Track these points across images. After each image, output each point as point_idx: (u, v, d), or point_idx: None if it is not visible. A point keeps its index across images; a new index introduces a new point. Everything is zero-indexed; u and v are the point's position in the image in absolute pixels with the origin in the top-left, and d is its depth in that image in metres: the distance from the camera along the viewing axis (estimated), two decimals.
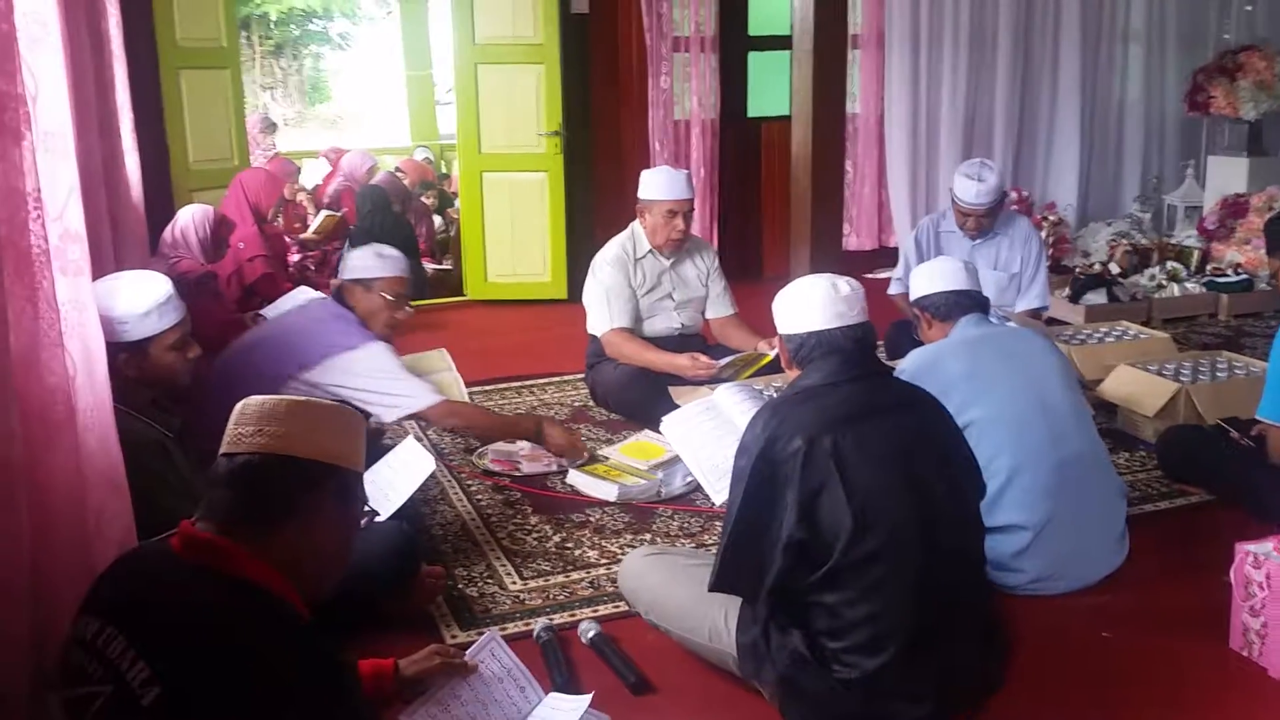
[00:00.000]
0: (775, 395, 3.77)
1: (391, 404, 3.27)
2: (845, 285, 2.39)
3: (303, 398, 1.73)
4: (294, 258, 6.56)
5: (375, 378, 3.25)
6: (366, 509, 1.80)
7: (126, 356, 2.51)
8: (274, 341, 3.35)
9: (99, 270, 2.48)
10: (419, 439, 3.62)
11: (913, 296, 3.18)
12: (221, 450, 1.68)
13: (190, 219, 4.73)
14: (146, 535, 2.24)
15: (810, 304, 2.37)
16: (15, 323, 1.65)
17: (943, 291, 3.08)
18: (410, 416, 3.41)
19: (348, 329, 3.32)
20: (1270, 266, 3.25)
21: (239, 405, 1.71)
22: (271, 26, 20.04)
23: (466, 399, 4.05)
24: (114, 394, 2.26)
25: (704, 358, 4.00)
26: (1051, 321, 5.19)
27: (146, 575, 1.60)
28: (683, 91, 6.56)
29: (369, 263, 3.42)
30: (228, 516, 1.61)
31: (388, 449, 3.18)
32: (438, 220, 8.20)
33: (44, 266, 1.67)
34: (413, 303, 5.99)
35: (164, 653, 1.46)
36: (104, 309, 2.47)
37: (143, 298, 2.52)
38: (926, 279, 3.13)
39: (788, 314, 2.42)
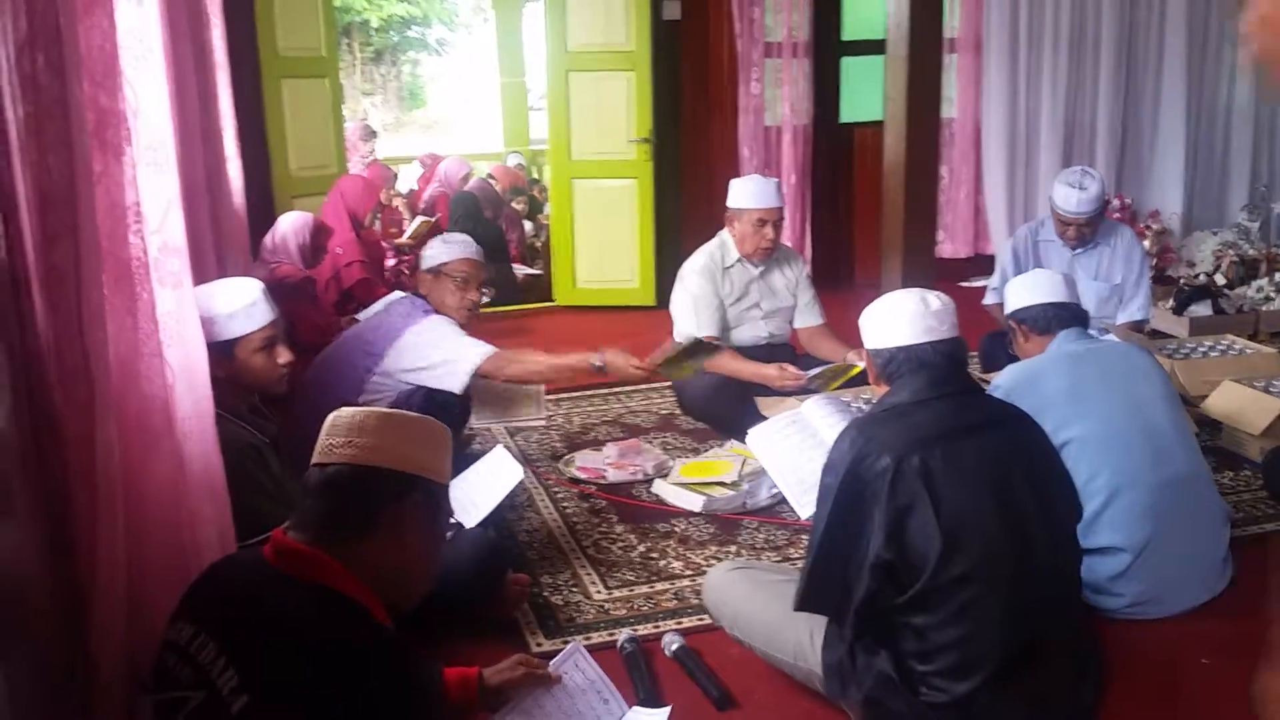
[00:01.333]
0: (864, 409, 3.73)
1: (451, 370, 3.27)
2: (935, 300, 2.34)
3: (391, 410, 1.75)
4: (390, 262, 6.68)
5: (433, 348, 3.27)
6: (453, 520, 1.82)
7: (214, 358, 2.57)
8: (353, 341, 3.41)
9: (202, 277, 2.55)
10: (508, 447, 3.64)
11: (1009, 309, 3.10)
12: (313, 461, 1.71)
13: (290, 225, 4.86)
14: (242, 539, 2.31)
15: (899, 318, 2.32)
16: (115, 334, 1.70)
17: (1041, 304, 3.00)
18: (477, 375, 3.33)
19: (410, 311, 3.37)
20: None
21: (330, 416, 1.74)
22: (372, 33, 20.50)
23: (543, 405, 4.03)
24: (214, 399, 2.34)
25: (792, 368, 3.95)
26: (1154, 334, 5.03)
27: (239, 583, 1.64)
28: (774, 97, 6.51)
29: (435, 250, 3.48)
30: (317, 527, 1.64)
31: (477, 456, 3.22)
32: (529, 226, 8.28)
33: (144, 279, 1.72)
34: (504, 307, 6.18)
35: (253, 661, 1.49)
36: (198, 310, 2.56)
37: (229, 299, 2.57)
38: (1024, 291, 3.06)
39: (876, 329, 2.37)
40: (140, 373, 1.77)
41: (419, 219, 7.26)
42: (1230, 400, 3.86)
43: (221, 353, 2.54)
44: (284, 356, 2.64)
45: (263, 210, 5.15)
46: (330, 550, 1.63)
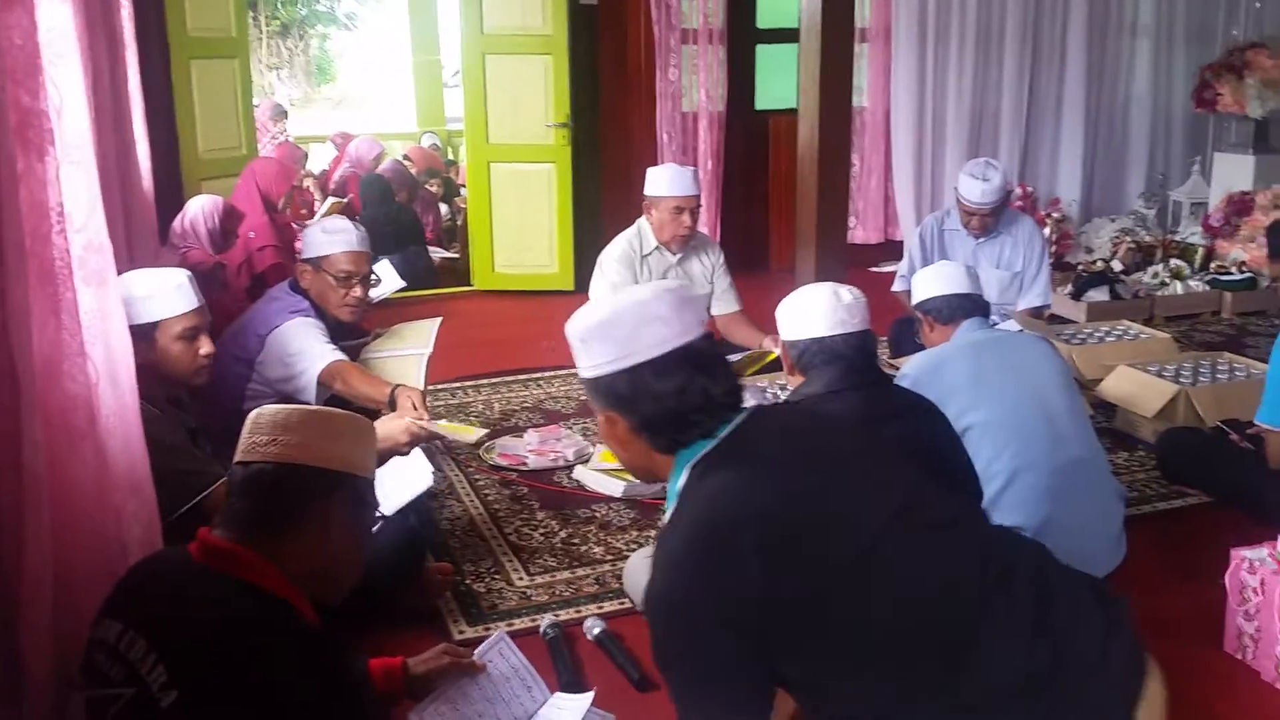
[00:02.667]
0: (779, 395, 3.83)
1: (302, 385, 3.12)
2: (847, 293, 2.43)
3: (315, 407, 1.77)
4: (300, 245, 6.60)
5: (289, 359, 3.12)
6: (378, 514, 1.85)
7: (134, 342, 2.54)
8: (229, 343, 3.23)
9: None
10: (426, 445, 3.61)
11: (915, 300, 3.22)
12: (236, 459, 1.73)
13: (200, 209, 4.77)
14: (179, 498, 2.29)
15: (813, 311, 2.41)
16: (39, 334, 1.69)
17: (945, 295, 3.11)
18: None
19: (279, 312, 3.20)
20: (1271, 270, 3.28)
21: (253, 414, 1.75)
22: (279, 6, 20.04)
23: (421, 383, 3.53)
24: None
25: None
26: (1053, 319, 5.22)
27: (166, 580, 1.65)
28: (691, 84, 6.58)
29: (315, 239, 3.30)
30: (243, 525, 1.66)
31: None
32: (444, 208, 8.24)
33: (67, 278, 1.72)
34: (420, 291, 6.15)
35: (181, 658, 1.51)
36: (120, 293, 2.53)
37: (151, 282, 2.54)
38: (928, 283, 3.16)
39: (791, 321, 2.46)
40: (64, 371, 1.76)
41: (330, 200, 7.18)
42: (1125, 384, 4.04)
43: (141, 337, 2.51)
44: (206, 348, 2.61)
45: (171, 193, 5.05)
46: (256, 548, 1.65)
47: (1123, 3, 7.09)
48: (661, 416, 1.66)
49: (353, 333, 3.46)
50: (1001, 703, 1.56)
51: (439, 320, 3.70)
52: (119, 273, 2.50)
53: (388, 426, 2.72)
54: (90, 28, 2.93)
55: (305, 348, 3.16)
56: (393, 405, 3.09)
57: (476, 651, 2.26)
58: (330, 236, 3.29)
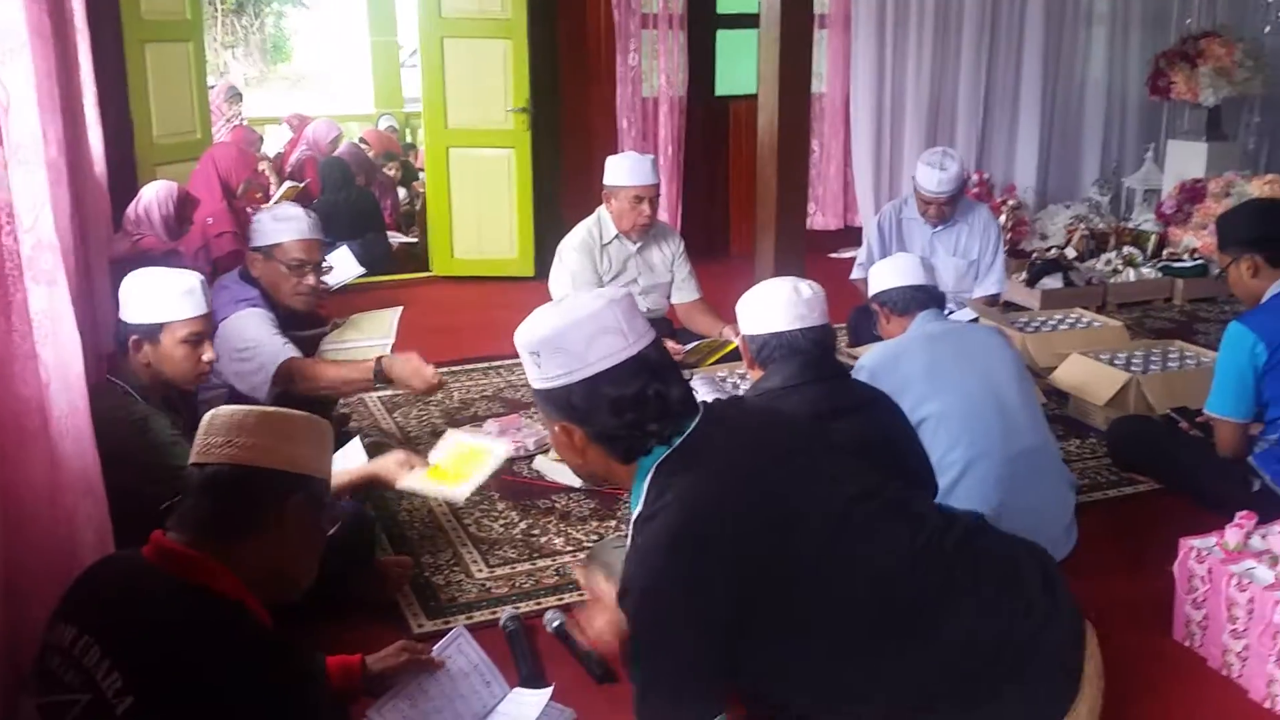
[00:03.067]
0: (738, 386, 3.85)
1: (258, 382, 3.06)
2: (807, 288, 2.46)
3: (271, 408, 1.76)
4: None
5: (243, 350, 3.07)
6: (334, 515, 1.84)
7: (138, 339, 2.53)
8: None
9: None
10: (386, 425, 3.63)
11: (871, 292, 3.25)
12: (192, 460, 1.71)
13: (154, 195, 4.70)
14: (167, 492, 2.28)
15: (773, 306, 2.44)
16: None
17: (901, 287, 3.16)
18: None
19: (226, 303, 3.12)
20: (1220, 261, 3.34)
21: (209, 415, 1.74)
22: None
23: (394, 330, 3.63)
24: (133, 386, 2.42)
25: (670, 343, 4.04)
26: (1008, 306, 5.29)
27: (119, 584, 1.64)
28: (651, 69, 6.57)
29: (265, 227, 3.24)
30: (198, 527, 1.65)
31: (352, 435, 3.20)
32: (402, 192, 8.17)
33: (17, 279, 1.69)
34: (379, 277, 6.10)
35: (136, 663, 1.51)
36: (130, 292, 2.54)
37: (161, 285, 2.55)
38: (885, 275, 3.20)
39: (751, 315, 2.48)
40: (15, 374, 1.74)
41: (287, 184, 7.10)
42: (1077, 372, 4.10)
43: (146, 336, 2.50)
44: (208, 354, 2.63)
45: (124, 179, 4.97)
46: (211, 551, 1.64)
47: None
48: (620, 427, 1.67)
49: (308, 322, 3.43)
50: (962, 666, 1.69)
51: (399, 310, 3.67)
52: (72, 263, 2.48)
53: (384, 465, 2.73)
54: (39, 12, 2.87)
55: (260, 340, 3.11)
56: (379, 376, 3.09)
57: (435, 648, 2.26)
58: (281, 224, 3.24)
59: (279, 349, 3.11)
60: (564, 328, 1.67)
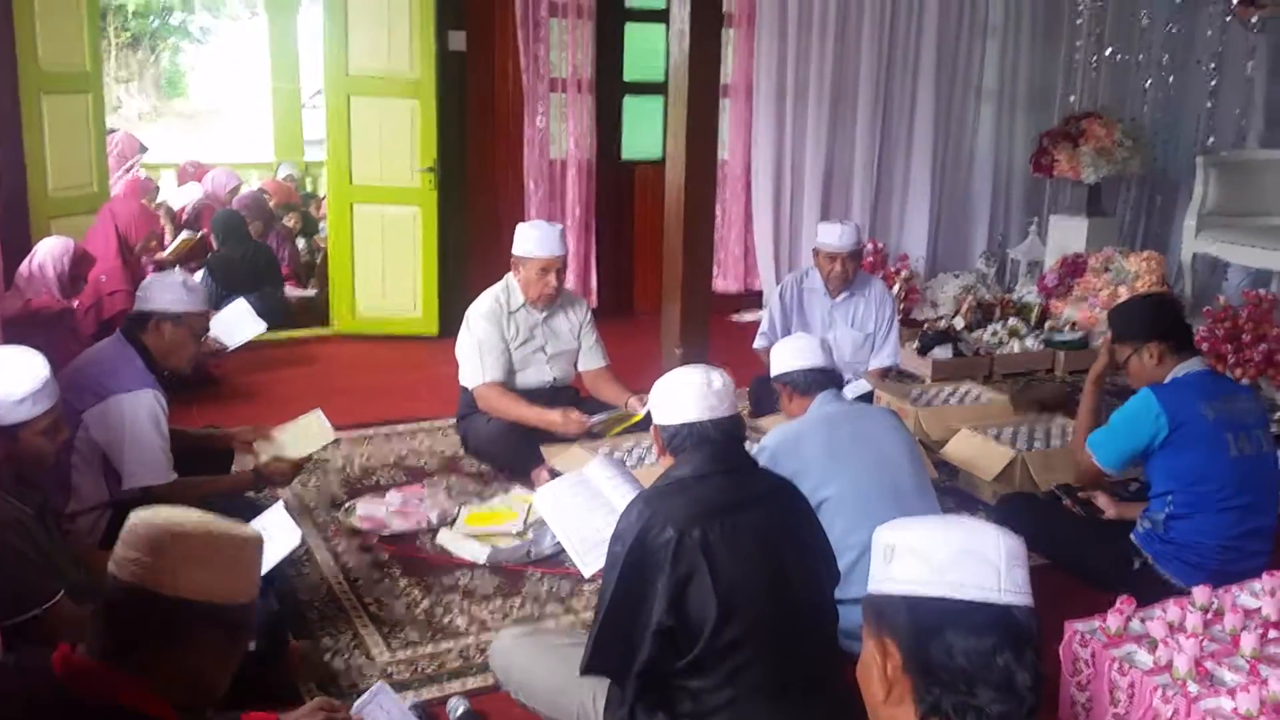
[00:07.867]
0: (643, 458, 3.89)
1: (130, 472, 3.13)
2: (718, 379, 2.52)
3: (198, 525, 1.66)
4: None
5: (130, 442, 3.12)
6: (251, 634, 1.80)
7: None
8: (69, 377, 3.10)
9: None
10: (288, 505, 3.56)
11: (774, 372, 3.36)
12: (109, 567, 1.66)
13: (48, 252, 4.59)
14: (10, 616, 2.23)
15: (685, 397, 2.49)
16: None
17: (802, 369, 3.27)
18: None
19: (116, 370, 3.18)
20: (1120, 353, 3.49)
21: (132, 517, 1.67)
22: (129, 18, 19.32)
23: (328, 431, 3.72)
24: None
25: (576, 413, 4.08)
26: (901, 374, 5.46)
27: (20, 704, 1.59)
28: (559, 132, 6.64)
29: (178, 295, 3.30)
30: (103, 644, 1.61)
31: (261, 509, 3.15)
32: (301, 243, 8.05)
33: None
34: (277, 333, 6.00)
35: None
36: None
37: (18, 384, 2.47)
38: (787, 357, 3.32)
39: (664, 405, 2.52)
40: None
41: (184, 234, 6.93)
42: (966, 448, 4.25)
43: (3, 435, 2.45)
44: (63, 434, 2.59)
45: (17, 234, 4.84)
46: (119, 664, 1.60)
47: (969, 65, 7.46)
48: (951, 673, 1.35)
49: (193, 383, 3.50)
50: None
51: (317, 410, 3.69)
52: None
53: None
54: None
55: (152, 446, 3.15)
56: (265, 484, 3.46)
57: (355, 705, 2.24)
58: (194, 294, 3.35)
59: (162, 470, 3.18)
60: (940, 535, 1.44)
